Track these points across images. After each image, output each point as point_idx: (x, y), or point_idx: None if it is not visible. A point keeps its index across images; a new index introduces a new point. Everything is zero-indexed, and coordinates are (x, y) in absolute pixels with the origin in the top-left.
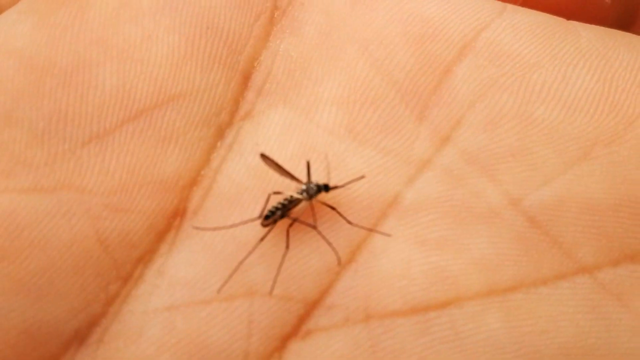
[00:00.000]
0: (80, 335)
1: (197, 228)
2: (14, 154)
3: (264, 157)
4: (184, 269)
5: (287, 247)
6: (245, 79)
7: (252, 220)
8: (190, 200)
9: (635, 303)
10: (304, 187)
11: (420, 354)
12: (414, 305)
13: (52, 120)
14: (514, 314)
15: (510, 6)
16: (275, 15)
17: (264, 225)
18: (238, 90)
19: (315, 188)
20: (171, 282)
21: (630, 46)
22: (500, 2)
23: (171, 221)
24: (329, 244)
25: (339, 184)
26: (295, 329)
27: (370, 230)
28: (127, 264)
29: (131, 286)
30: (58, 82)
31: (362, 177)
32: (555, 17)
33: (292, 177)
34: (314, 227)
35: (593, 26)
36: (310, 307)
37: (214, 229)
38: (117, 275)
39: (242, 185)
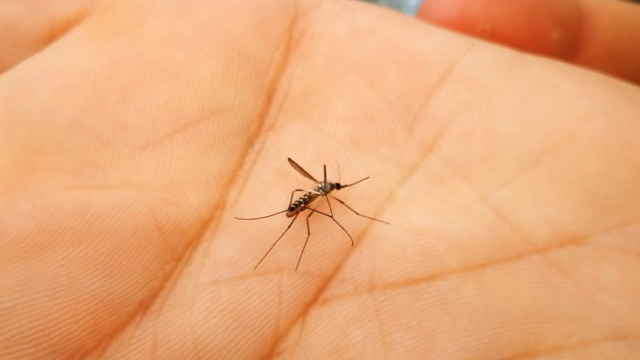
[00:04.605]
0: (145, 305)
1: (237, 218)
2: (84, 157)
3: (290, 160)
4: (225, 251)
5: (308, 232)
6: (269, 97)
7: (280, 212)
8: (229, 195)
9: (575, 275)
10: (320, 185)
11: (414, 314)
12: (408, 278)
13: (115, 130)
14: (485, 284)
15: (478, 42)
16: (291, 45)
17: (289, 215)
18: (263, 107)
19: (329, 186)
20: (215, 262)
21: (570, 76)
22: (469, 38)
23: (214, 212)
24: (343, 228)
25: (347, 183)
26: (315, 297)
27: (373, 219)
28: (180, 247)
29: (183, 265)
30: (119, 98)
31: (367, 178)
32: (512, 50)
33: (311, 177)
34: (330, 216)
35: (542, 58)
36: (326, 281)
37: (250, 218)
38: (171, 256)
39: (269, 183)
